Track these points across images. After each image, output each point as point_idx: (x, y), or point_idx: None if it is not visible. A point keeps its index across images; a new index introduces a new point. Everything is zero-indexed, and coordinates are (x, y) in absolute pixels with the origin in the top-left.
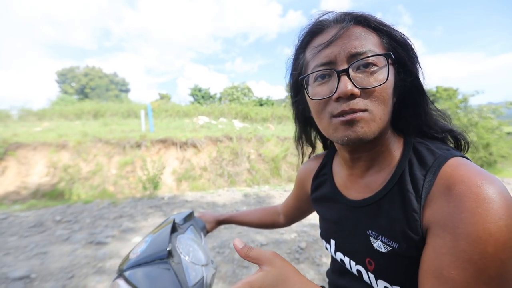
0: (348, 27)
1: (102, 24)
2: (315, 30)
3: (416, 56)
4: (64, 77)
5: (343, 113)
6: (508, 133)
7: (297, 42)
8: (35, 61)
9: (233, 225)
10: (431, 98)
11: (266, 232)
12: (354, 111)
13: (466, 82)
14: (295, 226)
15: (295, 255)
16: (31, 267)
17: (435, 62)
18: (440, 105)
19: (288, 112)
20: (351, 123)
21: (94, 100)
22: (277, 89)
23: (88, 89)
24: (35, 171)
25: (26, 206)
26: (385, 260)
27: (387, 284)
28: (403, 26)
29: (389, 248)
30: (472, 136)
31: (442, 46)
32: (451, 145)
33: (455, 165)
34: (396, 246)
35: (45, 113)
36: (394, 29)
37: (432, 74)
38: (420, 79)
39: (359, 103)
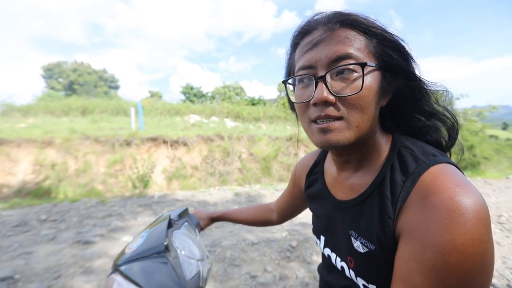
0: (333, 29)
1: (94, 18)
2: (304, 30)
3: (409, 56)
4: (50, 72)
5: (319, 118)
6: (491, 136)
7: (291, 39)
8: (20, 55)
9: (225, 225)
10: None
11: (257, 231)
12: (329, 117)
13: (452, 86)
14: (286, 225)
15: (286, 253)
16: (14, 268)
17: (424, 66)
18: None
19: (279, 112)
20: (325, 131)
21: (82, 97)
22: (270, 88)
23: (76, 85)
24: (19, 168)
25: (9, 205)
26: (363, 260)
27: (364, 282)
28: (394, 30)
29: (366, 249)
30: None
31: (430, 50)
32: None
33: (434, 174)
34: (373, 248)
35: (29, 109)
36: (384, 30)
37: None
38: (417, 78)
39: (334, 110)
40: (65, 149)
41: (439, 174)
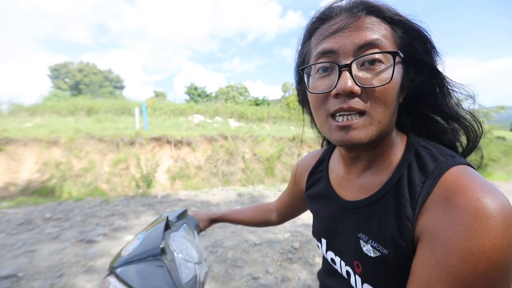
0: (359, 16)
1: (99, 19)
2: (324, 16)
3: (435, 50)
4: (57, 73)
5: (340, 111)
6: (498, 137)
7: (306, 26)
8: (28, 56)
9: (227, 225)
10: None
11: (259, 232)
12: (351, 110)
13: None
14: (288, 226)
15: (288, 255)
16: (18, 266)
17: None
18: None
19: (283, 112)
20: (346, 129)
21: (88, 97)
22: (274, 89)
23: (82, 85)
24: (25, 167)
25: (15, 203)
26: (373, 265)
27: None
28: (420, 21)
29: (378, 254)
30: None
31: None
32: (466, 134)
33: (457, 174)
34: (386, 252)
35: (36, 109)
36: (410, 20)
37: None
38: (440, 75)
39: (358, 102)
40: (70, 149)
41: (462, 175)
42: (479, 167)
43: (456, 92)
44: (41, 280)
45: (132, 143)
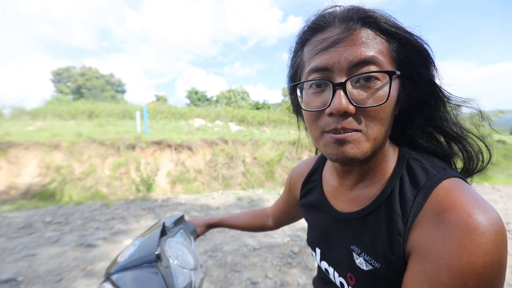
0: (354, 29)
1: (103, 24)
2: (316, 26)
3: (432, 64)
4: (59, 77)
5: (334, 131)
6: (499, 141)
7: (298, 35)
8: (31, 59)
9: (226, 230)
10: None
11: (259, 236)
12: (345, 130)
13: (456, 91)
14: (288, 230)
15: (288, 259)
16: (18, 270)
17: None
18: (475, 128)
19: (284, 116)
20: (341, 143)
21: (90, 100)
22: (274, 93)
23: (84, 89)
24: (26, 171)
25: (15, 207)
26: (366, 278)
27: None
28: (418, 32)
29: (370, 267)
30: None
31: (435, 55)
32: (465, 159)
33: (449, 189)
34: (378, 266)
35: (38, 112)
36: (409, 32)
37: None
38: (437, 88)
39: (352, 122)
40: (71, 152)
41: (453, 189)
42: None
43: (453, 104)
44: (40, 285)
45: (132, 147)
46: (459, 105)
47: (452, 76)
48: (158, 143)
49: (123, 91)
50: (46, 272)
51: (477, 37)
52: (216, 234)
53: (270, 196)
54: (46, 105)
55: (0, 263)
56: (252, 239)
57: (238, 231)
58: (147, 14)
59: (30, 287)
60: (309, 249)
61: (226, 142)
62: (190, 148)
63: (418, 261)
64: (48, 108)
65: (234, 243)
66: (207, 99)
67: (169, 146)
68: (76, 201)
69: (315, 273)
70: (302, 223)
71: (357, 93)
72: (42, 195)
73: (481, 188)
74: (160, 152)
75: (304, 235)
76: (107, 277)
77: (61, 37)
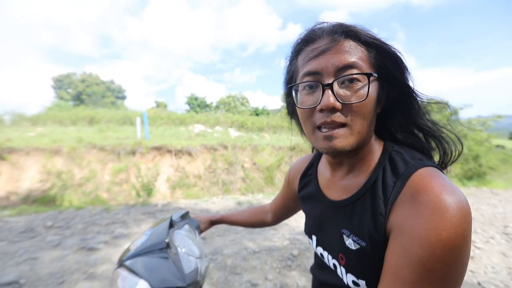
0: (338, 40)
1: (104, 31)
2: (308, 38)
3: (405, 68)
4: (60, 83)
5: (325, 124)
6: (497, 146)
7: (293, 46)
8: (32, 66)
9: (226, 233)
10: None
11: (258, 239)
12: (334, 123)
13: (456, 96)
14: (287, 233)
15: (287, 262)
16: (20, 273)
17: (427, 76)
18: (448, 122)
19: (283, 122)
20: (330, 138)
21: (90, 107)
22: (274, 99)
23: (84, 95)
24: (26, 176)
25: (16, 212)
26: (354, 256)
27: (354, 278)
28: (398, 42)
29: (358, 246)
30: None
31: (433, 60)
32: (440, 153)
33: (423, 176)
34: (364, 245)
35: (39, 118)
36: (384, 42)
37: (425, 88)
38: (411, 89)
39: (340, 116)
40: (71, 158)
41: (427, 175)
42: (479, 174)
43: (426, 103)
44: (43, 287)
45: (133, 153)
46: (430, 103)
47: (452, 82)
48: (158, 149)
49: (123, 98)
50: (48, 275)
51: (476, 43)
52: (216, 238)
53: (269, 201)
54: (46, 111)
55: (2, 266)
56: (252, 242)
57: (238, 235)
58: (148, 22)
59: None
60: (308, 252)
61: (225, 147)
62: (190, 154)
63: (396, 237)
64: (49, 114)
65: (234, 246)
66: (207, 105)
67: (169, 151)
68: (76, 206)
69: None
70: (302, 227)
71: (343, 92)
72: (42, 201)
73: (480, 192)
74: (160, 158)
75: (304, 239)
76: (121, 264)
77: (62, 44)
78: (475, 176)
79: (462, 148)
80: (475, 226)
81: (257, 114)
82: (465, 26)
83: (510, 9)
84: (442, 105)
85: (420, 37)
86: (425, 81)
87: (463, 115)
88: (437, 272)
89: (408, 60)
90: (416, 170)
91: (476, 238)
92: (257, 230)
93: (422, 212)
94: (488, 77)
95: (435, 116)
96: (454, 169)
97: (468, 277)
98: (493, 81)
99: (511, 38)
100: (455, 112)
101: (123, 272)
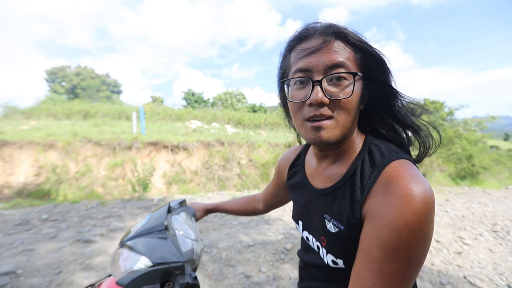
0: (329, 41)
1: (101, 24)
2: (301, 36)
3: (388, 69)
4: (54, 76)
5: (314, 117)
6: (491, 146)
7: (287, 43)
8: (26, 59)
9: (222, 227)
10: (417, 110)
11: (253, 233)
12: (322, 116)
13: (453, 96)
14: (282, 228)
15: (281, 255)
16: (17, 263)
17: (425, 75)
18: (427, 118)
19: (280, 119)
20: (318, 129)
21: (84, 101)
22: (271, 96)
23: (79, 89)
24: (20, 170)
25: (10, 205)
26: (334, 238)
27: (333, 258)
28: (396, 41)
29: (337, 229)
30: (456, 148)
31: (432, 60)
32: (420, 145)
33: (396, 167)
34: (342, 228)
35: (32, 112)
36: (369, 46)
37: (422, 87)
38: (392, 89)
39: (327, 110)
40: (66, 152)
41: (399, 167)
42: (472, 174)
43: (406, 101)
44: (39, 277)
45: (129, 148)
46: (409, 102)
47: (450, 82)
48: (154, 144)
49: (119, 92)
50: (45, 266)
51: (475, 43)
52: (212, 232)
53: None
54: (39, 105)
55: None
56: (246, 236)
57: (233, 229)
58: (146, 15)
59: (30, 279)
60: None
61: (222, 144)
62: (186, 149)
63: (370, 221)
64: (42, 107)
65: (229, 240)
66: (204, 101)
67: (166, 147)
68: (71, 200)
69: None
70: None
71: (331, 88)
72: (36, 194)
73: (472, 191)
74: (156, 153)
75: (297, 233)
76: (123, 244)
77: (57, 37)
78: (468, 175)
79: (440, 138)
80: (464, 223)
81: (254, 111)
82: (464, 26)
83: (510, 9)
84: (419, 106)
85: (419, 36)
86: (424, 81)
87: (460, 115)
88: (402, 251)
89: (407, 59)
90: (390, 161)
91: (465, 235)
92: (252, 224)
93: (392, 199)
94: (486, 78)
95: (431, 117)
96: (448, 168)
97: (454, 271)
98: (491, 82)
99: (510, 39)
100: (450, 113)
101: (124, 251)
